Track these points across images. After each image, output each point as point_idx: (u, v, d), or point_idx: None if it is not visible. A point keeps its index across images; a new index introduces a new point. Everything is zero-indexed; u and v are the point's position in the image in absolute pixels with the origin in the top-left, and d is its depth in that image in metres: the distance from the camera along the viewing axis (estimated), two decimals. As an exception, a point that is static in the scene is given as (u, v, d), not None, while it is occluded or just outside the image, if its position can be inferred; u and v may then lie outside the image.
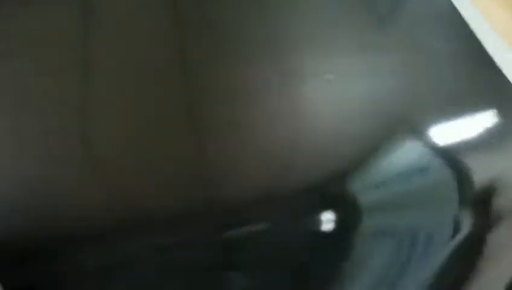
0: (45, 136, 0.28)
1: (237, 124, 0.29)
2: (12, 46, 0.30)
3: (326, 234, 0.28)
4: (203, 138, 0.29)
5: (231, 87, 0.30)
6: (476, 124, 0.32)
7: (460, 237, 0.29)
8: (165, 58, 0.30)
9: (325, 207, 0.28)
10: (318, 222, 0.28)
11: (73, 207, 0.26)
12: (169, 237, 0.27)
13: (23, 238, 0.25)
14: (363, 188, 0.29)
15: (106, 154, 0.28)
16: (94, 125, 0.28)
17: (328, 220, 0.28)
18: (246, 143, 0.29)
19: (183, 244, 0.27)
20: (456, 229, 0.30)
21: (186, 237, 0.27)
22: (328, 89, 0.31)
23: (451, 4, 0.36)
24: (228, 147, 0.29)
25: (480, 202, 0.30)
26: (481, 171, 0.30)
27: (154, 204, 0.27)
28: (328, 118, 0.30)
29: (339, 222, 0.28)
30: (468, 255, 0.30)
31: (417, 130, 0.31)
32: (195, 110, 0.29)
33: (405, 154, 0.30)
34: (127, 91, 0.29)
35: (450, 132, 0.32)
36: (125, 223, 0.26)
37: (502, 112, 0.32)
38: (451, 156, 0.30)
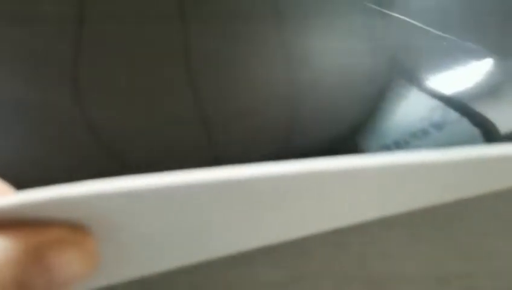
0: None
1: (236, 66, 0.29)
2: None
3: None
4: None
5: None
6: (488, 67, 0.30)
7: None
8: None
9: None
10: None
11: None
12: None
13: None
14: (377, 149, 0.30)
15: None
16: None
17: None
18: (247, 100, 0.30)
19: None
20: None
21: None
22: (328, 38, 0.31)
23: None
24: (229, 101, 0.29)
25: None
26: (503, 120, 0.29)
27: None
28: (330, 69, 0.31)
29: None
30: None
31: (423, 79, 0.30)
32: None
33: (413, 111, 0.30)
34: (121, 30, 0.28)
35: (459, 77, 0.31)
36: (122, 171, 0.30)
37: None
38: (464, 107, 0.30)
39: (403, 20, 0.30)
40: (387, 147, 0.30)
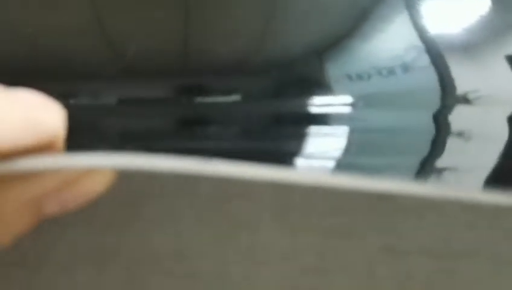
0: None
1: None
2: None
3: (296, 113, 0.28)
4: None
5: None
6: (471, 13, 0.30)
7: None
8: None
9: (299, 88, 0.28)
10: (290, 102, 0.28)
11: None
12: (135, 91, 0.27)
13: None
14: (341, 76, 0.28)
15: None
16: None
17: (301, 102, 0.28)
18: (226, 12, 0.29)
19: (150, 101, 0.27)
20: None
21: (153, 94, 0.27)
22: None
23: None
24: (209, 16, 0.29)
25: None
26: (463, 80, 0.29)
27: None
28: None
29: (308, 104, 0.28)
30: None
31: (407, 14, 0.29)
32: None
33: (390, 43, 0.29)
34: None
35: (441, 17, 0.30)
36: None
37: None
38: (437, 57, 0.29)
39: None
40: (349, 77, 0.29)
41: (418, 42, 0.29)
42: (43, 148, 0.18)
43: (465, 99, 0.29)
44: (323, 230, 0.32)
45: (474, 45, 0.30)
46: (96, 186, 0.21)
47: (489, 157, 0.28)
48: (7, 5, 0.28)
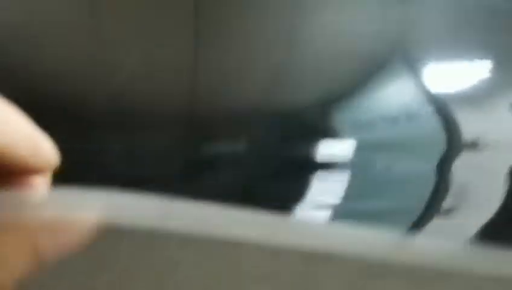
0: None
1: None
2: None
3: (303, 162, 0.28)
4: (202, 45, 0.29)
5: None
6: (474, 73, 0.31)
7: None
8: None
9: (306, 135, 0.28)
10: (296, 148, 0.28)
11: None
12: (144, 132, 0.27)
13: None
14: (347, 123, 0.29)
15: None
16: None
17: (306, 149, 0.28)
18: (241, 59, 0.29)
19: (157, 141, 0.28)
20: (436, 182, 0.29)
21: (161, 138, 0.28)
22: (323, 17, 0.30)
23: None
24: (223, 60, 0.29)
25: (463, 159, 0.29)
26: (468, 127, 0.30)
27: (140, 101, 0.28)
28: (321, 43, 0.30)
29: (315, 152, 0.28)
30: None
31: (411, 69, 0.30)
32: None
33: (396, 96, 0.29)
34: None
35: (445, 77, 0.31)
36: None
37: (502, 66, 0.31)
38: (442, 106, 0.30)
39: (419, 8, 0.30)
40: (355, 125, 0.29)
41: (422, 94, 0.30)
42: (38, 172, 0.18)
43: (469, 147, 0.30)
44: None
45: (478, 96, 0.30)
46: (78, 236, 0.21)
47: (488, 210, 0.28)
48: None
